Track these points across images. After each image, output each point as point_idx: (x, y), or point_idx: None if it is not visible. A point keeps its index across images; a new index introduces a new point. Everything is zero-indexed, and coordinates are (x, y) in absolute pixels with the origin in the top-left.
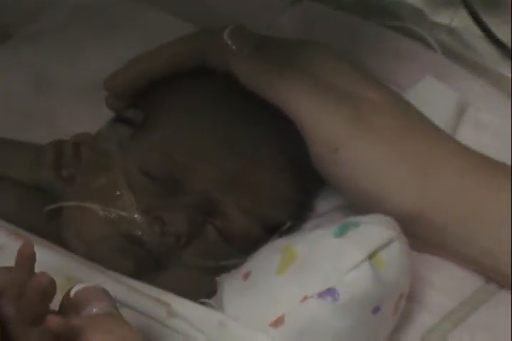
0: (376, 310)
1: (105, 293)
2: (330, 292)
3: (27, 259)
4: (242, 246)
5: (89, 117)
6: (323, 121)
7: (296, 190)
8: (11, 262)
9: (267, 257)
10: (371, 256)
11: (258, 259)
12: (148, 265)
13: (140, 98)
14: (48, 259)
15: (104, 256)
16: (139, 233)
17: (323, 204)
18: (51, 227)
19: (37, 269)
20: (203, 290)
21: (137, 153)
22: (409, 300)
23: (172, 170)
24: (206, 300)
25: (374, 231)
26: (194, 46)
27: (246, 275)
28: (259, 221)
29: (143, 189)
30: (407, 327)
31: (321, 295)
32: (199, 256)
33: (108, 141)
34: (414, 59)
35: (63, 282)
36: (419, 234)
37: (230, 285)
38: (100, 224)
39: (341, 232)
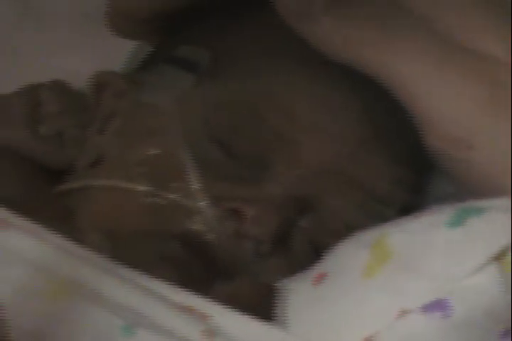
0: (505, 334)
1: None
2: (439, 304)
3: None
4: None
5: (88, 56)
6: (453, 110)
7: (408, 186)
8: None
9: (350, 254)
10: (499, 257)
11: (338, 257)
12: (204, 277)
13: (188, 30)
14: (40, 254)
15: (139, 261)
16: (204, 230)
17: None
18: (55, 210)
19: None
20: (269, 312)
21: (207, 113)
22: None
23: (261, 143)
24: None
25: (504, 220)
26: None
27: (320, 279)
28: (360, 227)
29: (214, 167)
30: None
31: (427, 308)
32: (282, 271)
33: (158, 91)
34: None
35: (54, 287)
36: None
37: (297, 292)
38: (143, 215)
39: (457, 220)
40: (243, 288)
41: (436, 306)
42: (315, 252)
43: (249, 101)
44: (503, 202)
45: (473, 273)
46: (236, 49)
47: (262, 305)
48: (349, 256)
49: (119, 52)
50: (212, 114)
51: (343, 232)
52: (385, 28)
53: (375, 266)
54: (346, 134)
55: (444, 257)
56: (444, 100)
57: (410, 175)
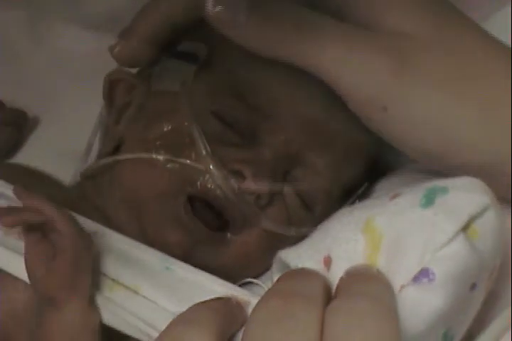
0: (473, 286)
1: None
2: (424, 273)
3: None
4: (321, 213)
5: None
6: (361, 79)
7: (375, 146)
8: None
9: (347, 239)
10: (465, 228)
11: (337, 241)
12: (214, 228)
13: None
14: None
15: (160, 220)
16: (213, 187)
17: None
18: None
19: None
20: (267, 262)
21: (208, 94)
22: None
23: (250, 116)
24: (254, 280)
25: (466, 198)
26: None
27: (328, 263)
28: (340, 180)
29: (216, 137)
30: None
31: (416, 279)
32: (278, 221)
33: (166, 80)
34: None
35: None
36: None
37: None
38: (164, 178)
39: (428, 201)
40: (252, 236)
41: (422, 274)
42: (304, 205)
43: (236, 85)
44: (462, 181)
45: (446, 244)
46: (228, 43)
47: (267, 250)
48: (347, 242)
49: None
50: (213, 98)
51: (326, 186)
52: (299, 25)
53: (373, 254)
54: (315, 104)
55: (422, 233)
56: (360, 74)
57: (375, 147)
